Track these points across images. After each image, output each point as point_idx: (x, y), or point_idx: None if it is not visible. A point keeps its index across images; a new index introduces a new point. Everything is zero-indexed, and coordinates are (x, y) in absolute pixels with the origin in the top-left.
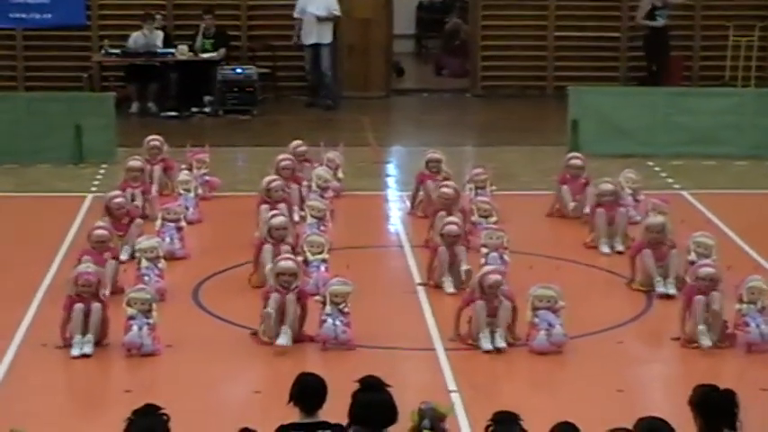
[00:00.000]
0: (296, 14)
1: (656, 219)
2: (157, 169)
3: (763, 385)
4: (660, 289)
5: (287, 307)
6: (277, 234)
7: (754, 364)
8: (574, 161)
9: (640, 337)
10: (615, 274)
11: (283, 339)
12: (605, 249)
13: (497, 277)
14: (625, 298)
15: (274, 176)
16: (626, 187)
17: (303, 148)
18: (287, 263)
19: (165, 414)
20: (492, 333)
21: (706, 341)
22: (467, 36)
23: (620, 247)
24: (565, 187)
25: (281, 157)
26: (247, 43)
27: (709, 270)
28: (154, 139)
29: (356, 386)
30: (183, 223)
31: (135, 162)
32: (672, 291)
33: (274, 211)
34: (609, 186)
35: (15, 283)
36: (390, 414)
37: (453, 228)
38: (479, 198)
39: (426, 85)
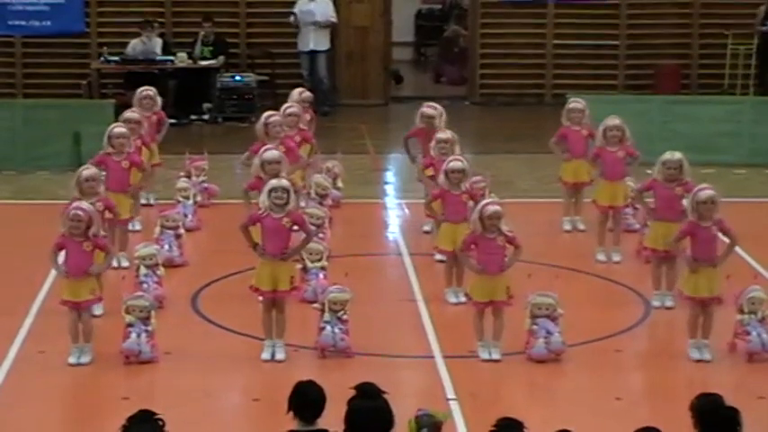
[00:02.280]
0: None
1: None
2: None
3: (761, 393)
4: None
5: (276, 317)
6: (270, 168)
7: (754, 373)
8: (573, 104)
9: (639, 346)
10: (614, 282)
11: (280, 354)
12: (601, 258)
13: (496, 208)
14: (623, 306)
15: (273, 112)
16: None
17: (307, 94)
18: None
19: (161, 420)
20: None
21: (695, 354)
22: (465, 44)
23: (616, 258)
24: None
25: (287, 105)
26: (246, 51)
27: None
28: (146, 89)
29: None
30: (181, 230)
31: (132, 114)
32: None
33: (268, 146)
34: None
35: (14, 291)
36: (386, 421)
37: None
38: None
39: (425, 92)
